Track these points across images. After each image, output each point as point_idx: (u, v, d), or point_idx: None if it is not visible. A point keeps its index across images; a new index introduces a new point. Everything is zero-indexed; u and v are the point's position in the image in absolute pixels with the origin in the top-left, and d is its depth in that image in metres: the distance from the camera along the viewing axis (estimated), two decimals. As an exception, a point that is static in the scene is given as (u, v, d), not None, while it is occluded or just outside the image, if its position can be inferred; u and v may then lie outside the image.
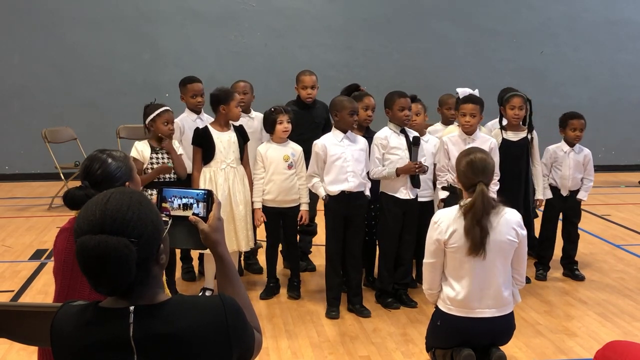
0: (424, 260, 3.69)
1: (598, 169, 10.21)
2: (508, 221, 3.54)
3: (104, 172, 2.51)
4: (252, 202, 4.89)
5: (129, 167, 2.61)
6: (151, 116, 4.74)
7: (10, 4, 9.64)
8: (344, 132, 4.64)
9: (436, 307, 3.71)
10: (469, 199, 3.52)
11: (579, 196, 5.37)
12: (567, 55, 10.69)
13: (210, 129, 4.82)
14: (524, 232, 3.62)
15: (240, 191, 4.84)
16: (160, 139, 4.78)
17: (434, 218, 3.67)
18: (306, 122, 5.02)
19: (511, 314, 3.66)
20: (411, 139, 4.68)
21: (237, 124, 4.95)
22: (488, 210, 3.47)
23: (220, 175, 4.78)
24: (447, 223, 3.54)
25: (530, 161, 5.28)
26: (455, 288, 3.57)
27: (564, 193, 5.36)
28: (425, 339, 3.87)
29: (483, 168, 3.55)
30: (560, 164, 5.35)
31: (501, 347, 3.71)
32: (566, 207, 5.42)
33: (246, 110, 5.41)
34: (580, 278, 5.40)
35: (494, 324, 3.59)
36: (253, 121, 5.41)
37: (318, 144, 4.65)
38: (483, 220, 3.45)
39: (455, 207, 3.61)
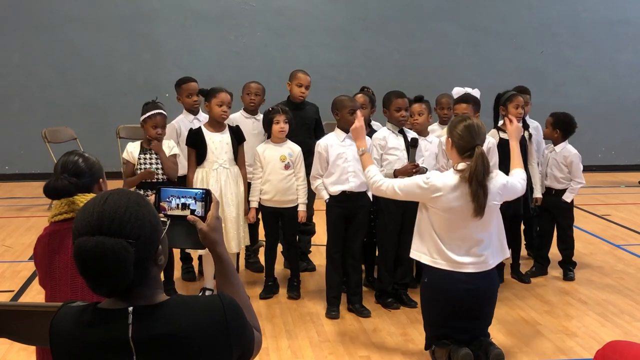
0: (396, 185, 3.73)
1: (598, 169, 10.28)
2: (494, 185, 3.64)
3: (77, 170, 2.75)
4: (249, 201, 4.90)
5: (99, 167, 2.80)
6: (142, 117, 4.69)
7: (10, 4, 9.64)
8: (346, 131, 4.63)
9: (425, 265, 3.77)
10: (467, 164, 3.58)
11: (564, 197, 5.39)
12: (567, 55, 10.69)
13: (204, 129, 4.80)
14: (503, 198, 3.74)
15: (232, 192, 4.79)
16: (149, 140, 4.73)
17: (427, 175, 3.78)
18: (297, 123, 4.99)
19: (493, 271, 3.74)
20: (409, 141, 4.68)
21: (232, 124, 4.94)
22: (488, 171, 3.57)
23: (212, 176, 4.74)
24: (437, 186, 3.60)
25: (527, 159, 5.29)
26: (442, 246, 3.65)
27: (542, 190, 5.44)
28: (422, 317, 3.92)
29: (479, 131, 3.67)
30: (546, 162, 5.48)
31: (501, 347, 3.72)
32: (555, 208, 5.44)
33: (254, 112, 5.40)
34: (569, 278, 5.41)
35: (478, 280, 3.65)
36: (260, 123, 5.33)
37: (321, 144, 4.65)
38: (485, 182, 3.54)
39: (447, 173, 3.68)
